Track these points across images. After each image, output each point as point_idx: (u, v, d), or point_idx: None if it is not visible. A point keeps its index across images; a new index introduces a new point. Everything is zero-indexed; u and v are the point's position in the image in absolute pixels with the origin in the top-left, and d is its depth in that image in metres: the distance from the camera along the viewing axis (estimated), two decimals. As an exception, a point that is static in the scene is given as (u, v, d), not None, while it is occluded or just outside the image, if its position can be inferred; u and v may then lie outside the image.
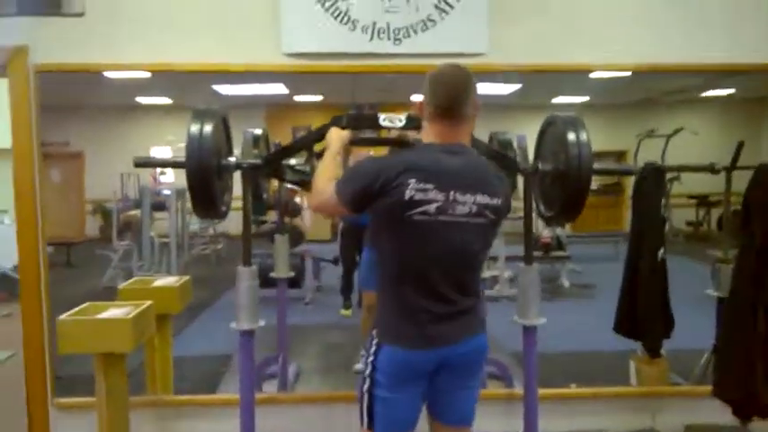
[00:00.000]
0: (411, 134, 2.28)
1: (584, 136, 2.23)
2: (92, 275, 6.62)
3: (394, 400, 1.87)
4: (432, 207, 1.76)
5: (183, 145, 2.22)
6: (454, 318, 1.86)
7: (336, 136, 2.16)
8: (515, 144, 2.69)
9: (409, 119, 2.18)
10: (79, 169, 9.09)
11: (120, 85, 6.32)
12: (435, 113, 1.86)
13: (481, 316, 1.99)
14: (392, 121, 2.16)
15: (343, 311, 5.70)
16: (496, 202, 1.85)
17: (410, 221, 1.77)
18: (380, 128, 2.22)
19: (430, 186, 1.76)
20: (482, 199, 1.82)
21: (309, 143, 2.36)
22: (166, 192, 7.95)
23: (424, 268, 1.82)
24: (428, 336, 1.84)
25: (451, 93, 1.84)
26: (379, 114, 2.17)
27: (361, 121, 2.30)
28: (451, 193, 1.78)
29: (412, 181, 1.75)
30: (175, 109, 9.64)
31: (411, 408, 1.94)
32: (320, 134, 2.33)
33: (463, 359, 1.92)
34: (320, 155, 2.31)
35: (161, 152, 7.86)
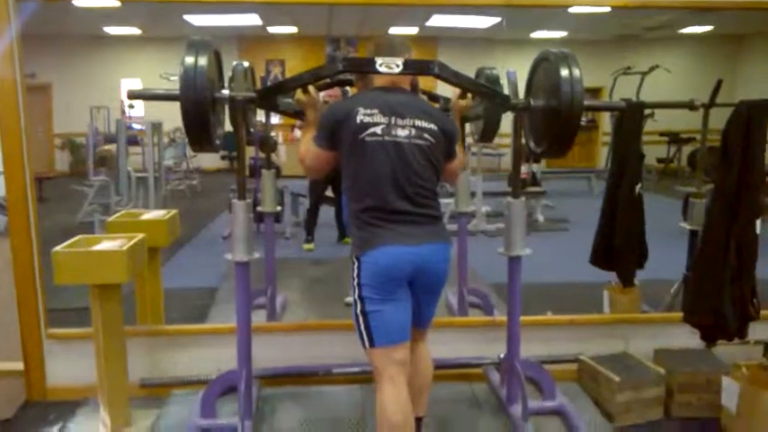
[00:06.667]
0: None
1: (576, 72, 2.26)
2: (66, 211, 6.53)
3: (385, 310, 2.09)
4: (378, 129, 2.09)
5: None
6: (411, 223, 2.11)
7: (310, 104, 2.37)
8: (505, 79, 2.70)
9: (405, 64, 2.17)
10: (46, 103, 8.83)
11: (87, 14, 6.06)
12: None
13: (442, 228, 2.21)
14: (390, 66, 2.15)
15: (306, 246, 5.66)
16: (433, 126, 2.15)
17: (363, 143, 2.09)
18: (376, 72, 2.19)
19: (375, 111, 2.10)
20: (419, 123, 2.13)
21: (303, 83, 2.34)
22: (137, 126, 7.79)
23: (378, 182, 2.09)
24: (392, 233, 2.08)
25: (395, 50, 2.20)
26: (375, 59, 2.16)
27: (358, 66, 2.30)
28: (392, 117, 2.10)
29: (360, 109, 2.10)
30: (145, 40, 9.32)
31: (402, 311, 2.13)
32: (316, 76, 2.32)
33: (430, 265, 2.14)
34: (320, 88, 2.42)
35: (131, 85, 7.64)
